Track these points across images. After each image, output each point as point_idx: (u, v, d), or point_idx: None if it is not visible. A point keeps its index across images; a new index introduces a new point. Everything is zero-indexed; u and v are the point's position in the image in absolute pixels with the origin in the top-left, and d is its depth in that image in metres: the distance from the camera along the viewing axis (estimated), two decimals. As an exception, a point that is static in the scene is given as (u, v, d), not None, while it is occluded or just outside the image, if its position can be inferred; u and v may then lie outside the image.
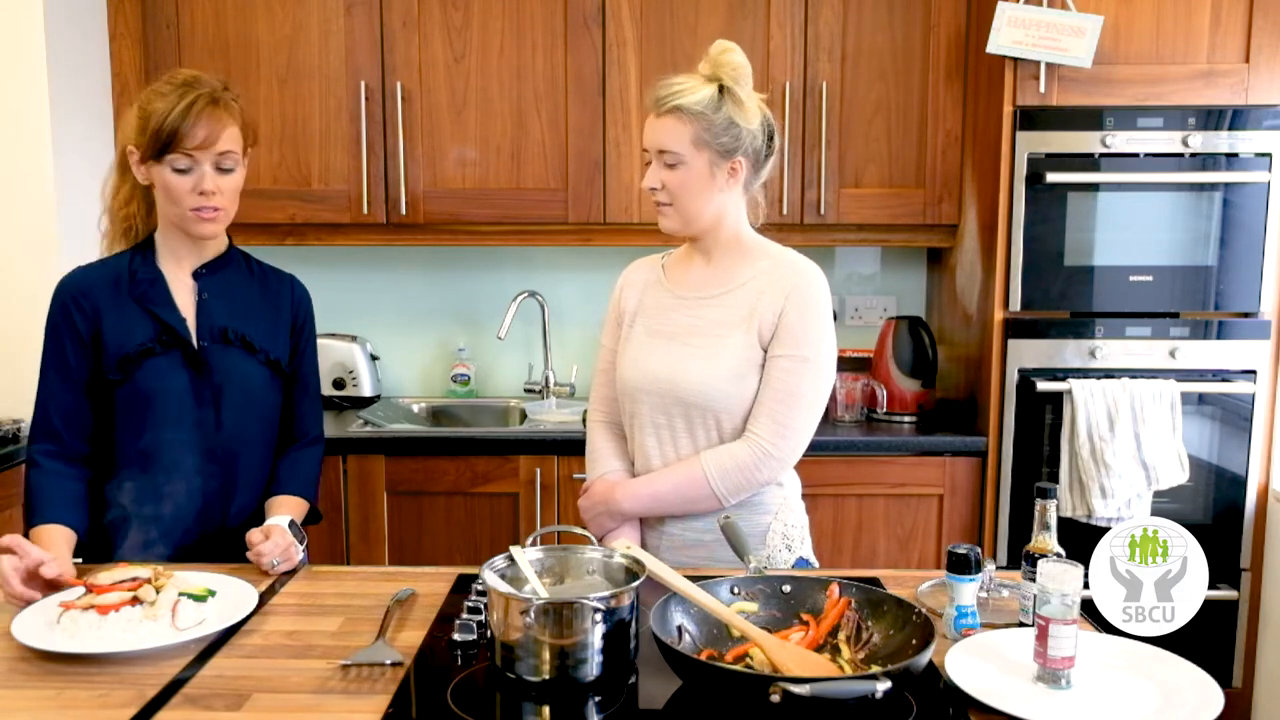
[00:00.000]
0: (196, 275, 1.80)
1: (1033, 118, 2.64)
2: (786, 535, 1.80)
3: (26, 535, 1.72)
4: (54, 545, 1.62)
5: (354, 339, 3.17)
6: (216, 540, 1.81)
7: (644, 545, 1.85)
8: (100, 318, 1.74)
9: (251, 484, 1.84)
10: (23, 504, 1.76)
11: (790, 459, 1.76)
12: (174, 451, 1.74)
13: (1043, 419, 2.71)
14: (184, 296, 1.79)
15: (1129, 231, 2.66)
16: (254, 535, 1.70)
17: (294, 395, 1.89)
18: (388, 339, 3.30)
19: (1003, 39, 2.58)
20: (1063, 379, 2.66)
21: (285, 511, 1.80)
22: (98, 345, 1.73)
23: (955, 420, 2.95)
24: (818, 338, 1.74)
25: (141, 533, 1.74)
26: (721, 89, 1.70)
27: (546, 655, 1.26)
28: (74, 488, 1.74)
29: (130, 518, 1.74)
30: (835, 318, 3.20)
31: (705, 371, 1.74)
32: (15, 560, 1.51)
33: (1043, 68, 2.59)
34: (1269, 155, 2.61)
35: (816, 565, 1.86)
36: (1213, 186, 2.64)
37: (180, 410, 1.75)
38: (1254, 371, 2.68)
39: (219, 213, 1.73)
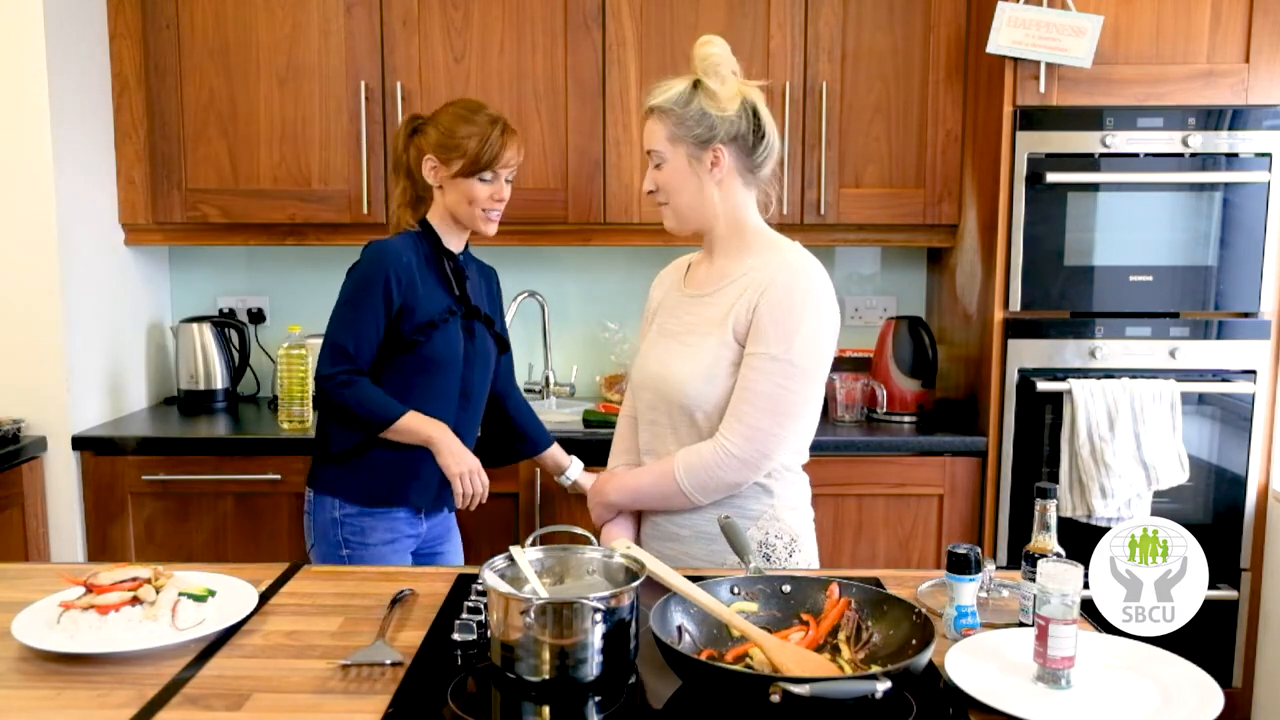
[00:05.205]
0: (458, 261, 2.18)
1: (1033, 118, 2.64)
2: (766, 544, 1.75)
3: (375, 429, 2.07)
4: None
5: (354, 339, 3.16)
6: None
7: (639, 536, 1.87)
8: (415, 287, 2.06)
9: (478, 425, 2.26)
10: (358, 411, 2.03)
11: (758, 461, 1.70)
12: (445, 402, 2.11)
13: (1043, 419, 2.72)
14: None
15: (1129, 231, 2.66)
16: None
17: (501, 359, 2.31)
18: (388, 339, 3.30)
19: (1003, 39, 2.58)
20: (1063, 379, 2.66)
21: (567, 459, 2.36)
22: (406, 310, 2.05)
23: (955, 420, 2.95)
24: (792, 335, 1.67)
25: (426, 466, 2.09)
26: (696, 84, 1.73)
27: (546, 655, 1.26)
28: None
29: (416, 457, 2.08)
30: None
31: (684, 370, 1.75)
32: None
33: (1043, 68, 2.59)
34: (1269, 155, 2.61)
35: None
36: (1213, 186, 2.64)
37: (457, 369, 2.13)
38: (1254, 371, 2.68)
39: (500, 214, 2.15)
